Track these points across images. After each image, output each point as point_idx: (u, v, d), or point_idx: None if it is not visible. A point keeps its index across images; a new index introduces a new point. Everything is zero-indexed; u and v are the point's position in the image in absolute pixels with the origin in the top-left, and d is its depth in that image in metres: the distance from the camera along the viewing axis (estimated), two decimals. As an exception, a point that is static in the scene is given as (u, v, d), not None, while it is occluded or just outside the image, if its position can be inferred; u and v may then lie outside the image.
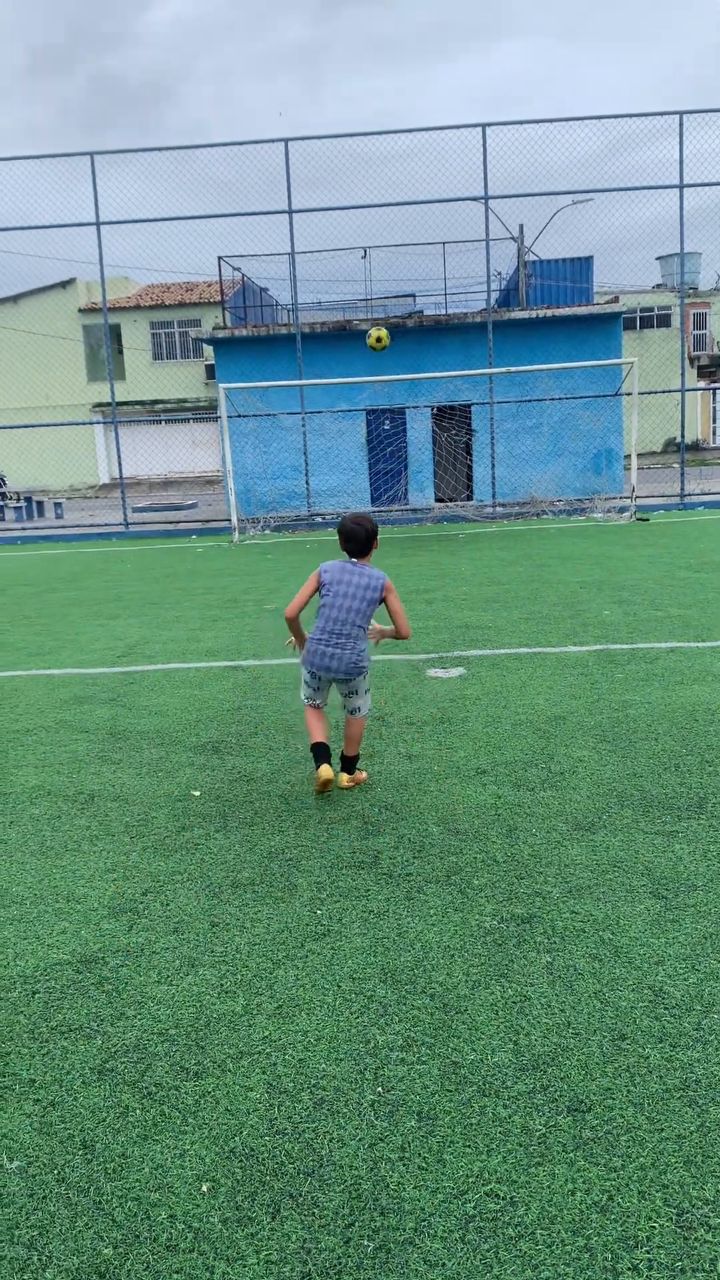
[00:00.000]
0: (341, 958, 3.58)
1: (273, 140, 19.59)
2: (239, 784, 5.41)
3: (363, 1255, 2.30)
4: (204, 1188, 2.52)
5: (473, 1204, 2.43)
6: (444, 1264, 2.26)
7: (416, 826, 4.70)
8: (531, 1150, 2.60)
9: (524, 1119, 2.71)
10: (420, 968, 3.49)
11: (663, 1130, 2.64)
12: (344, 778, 5.29)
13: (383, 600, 5.16)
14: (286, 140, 19.48)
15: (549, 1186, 2.47)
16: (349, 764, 5.32)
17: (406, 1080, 2.90)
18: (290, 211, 19.83)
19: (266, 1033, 3.15)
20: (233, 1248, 2.33)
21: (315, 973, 3.49)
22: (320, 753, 5.10)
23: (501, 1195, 2.45)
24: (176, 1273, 2.27)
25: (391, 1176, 2.53)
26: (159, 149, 19.70)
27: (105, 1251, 2.34)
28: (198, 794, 5.29)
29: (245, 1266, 2.28)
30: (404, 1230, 2.36)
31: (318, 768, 5.05)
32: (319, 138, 19.72)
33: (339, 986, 3.39)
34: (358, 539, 5.21)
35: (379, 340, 14.55)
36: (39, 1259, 2.33)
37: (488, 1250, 2.29)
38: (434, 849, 4.45)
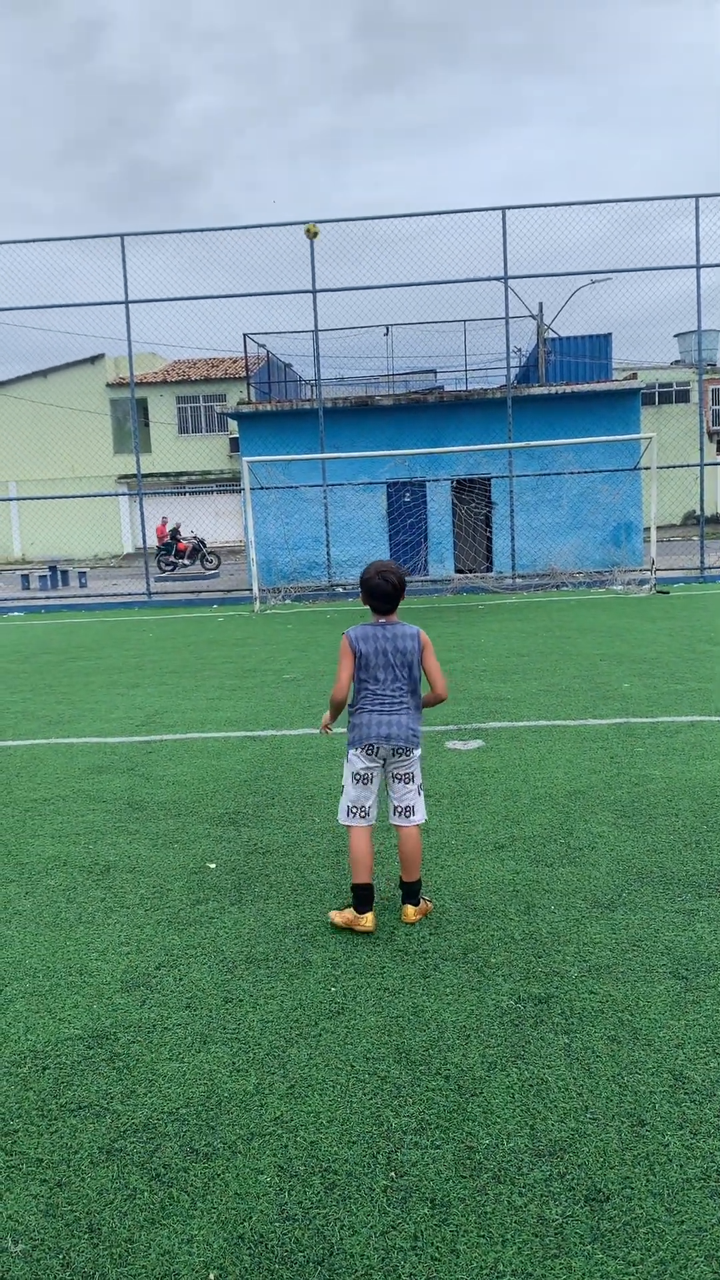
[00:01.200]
0: (355, 1036, 3.53)
1: (297, 223, 20.18)
2: (255, 856, 5.38)
3: (373, 1350, 2.23)
4: (211, 1276, 2.46)
5: (487, 1298, 2.36)
6: None
7: (433, 902, 4.65)
8: (548, 1241, 2.53)
9: (540, 1208, 2.65)
10: (435, 1048, 3.43)
11: (683, 1222, 2.57)
12: (409, 910, 4.47)
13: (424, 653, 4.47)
14: (308, 224, 20.05)
15: (565, 1280, 2.40)
16: (412, 891, 4.49)
17: (420, 1165, 2.84)
18: (314, 291, 20.33)
19: (278, 1113, 3.10)
20: (239, 1340, 2.27)
21: (328, 1052, 3.43)
22: (365, 897, 4.37)
23: (516, 1289, 2.38)
24: None
25: (404, 1267, 2.47)
26: (187, 230, 20.34)
27: (109, 1341, 2.28)
28: (213, 866, 5.27)
29: None
30: (416, 1324, 2.29)
31: (361, 915, 4.37)
32: (342, 220, 20.30)
33: (352, 1066, 3.34)
34: (386, 595, 4.43)
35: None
36: (41, 1348, 2.27)
37: (502, 1347, 2.22)
38: (450, 925, 4.40)
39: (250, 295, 20.62)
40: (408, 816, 4.49)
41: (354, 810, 4.47)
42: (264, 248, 21.06)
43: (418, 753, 4.50)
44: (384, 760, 4.45)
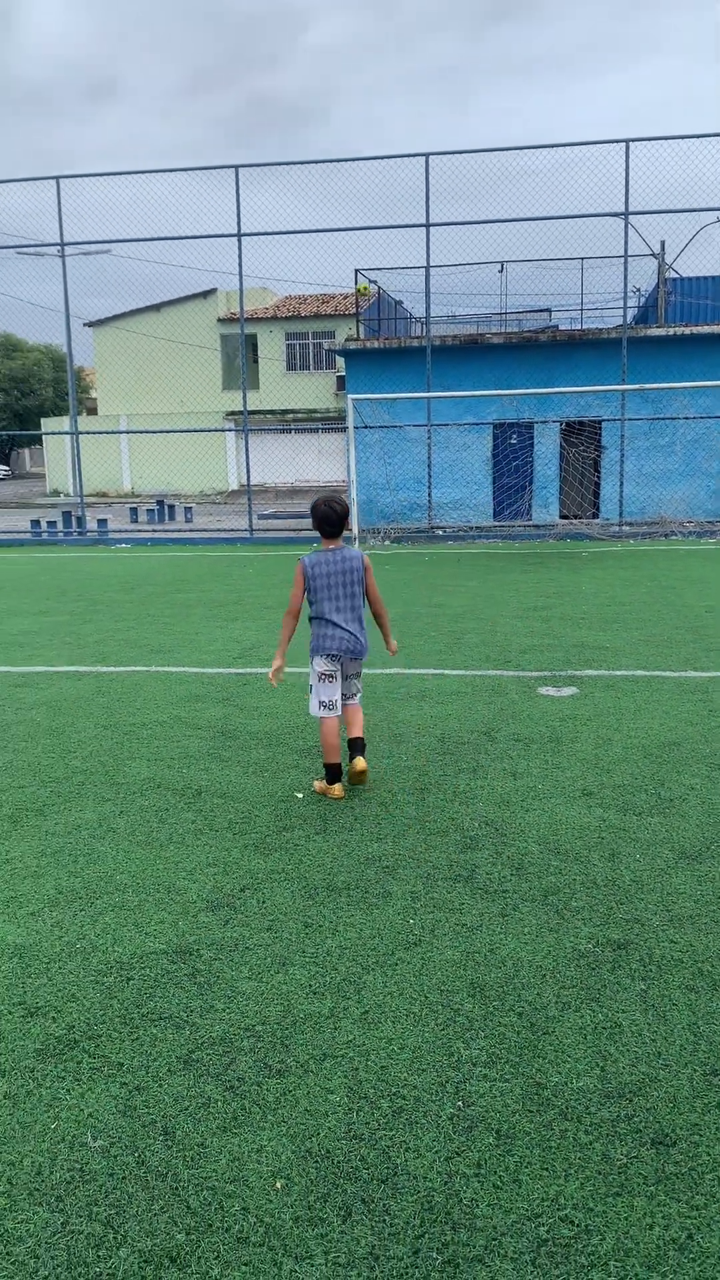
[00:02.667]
0: (431, 968, 3.56)
1: (413, 155, 19.72)
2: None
3: (430, 1267, 2.28)
4: (278, 1184, 2.54)
5: (546, 1228, 2.38)
6: (512, 1286, 2.22)
7: (516, 844, 4.65)
8: (611, 1179, 2.53)
9: (605, 1147, 2.65)
10: (510, 985, 3.44)
11: (751, 1173, 2.55)
12: (359, 761, 5.42)
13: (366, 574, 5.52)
14: (427, 155, 19.59)
15: (626, 1218, 2.41)
16: (359, 747, 5.48)
17: (488, 1097, 2.86)
18: (427, 225, 19.91)
19: (351, 1037, 3.16)
20: (302, 1246, 2.34)
21: (404, 981, 3.48)
22: (335, 773, 5.37)
23: (576, 1222, 2.40)
24: (245, 1264, 2.30)
25: (465, 1192, 2.50)
26: (299, 162, 20.07)
27: (178, 1237, 2.38)
28: (300, 796, 5.34)
29: (313, 1265, 2.29)
30: (474, 1247, 2.33)
31: (331, 785, 5.35)
32: (460, 152, 19.76)
33: (426, 997, 3.38)
34: (333, 521, 5.43)
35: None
36: (114, 1237, 2.38)
37: (558, 1276, 2.24)
38: (533, 868, 4.39)
39: (362, 229, 20.32)
40: (353, 697, 5.63)
41: (325, 705, 5.46)
42: (378, 182, 20.69)
43: (366, 656, 5.59)
44: (341, 663, 5.47)
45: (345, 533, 5.56)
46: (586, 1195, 2.48)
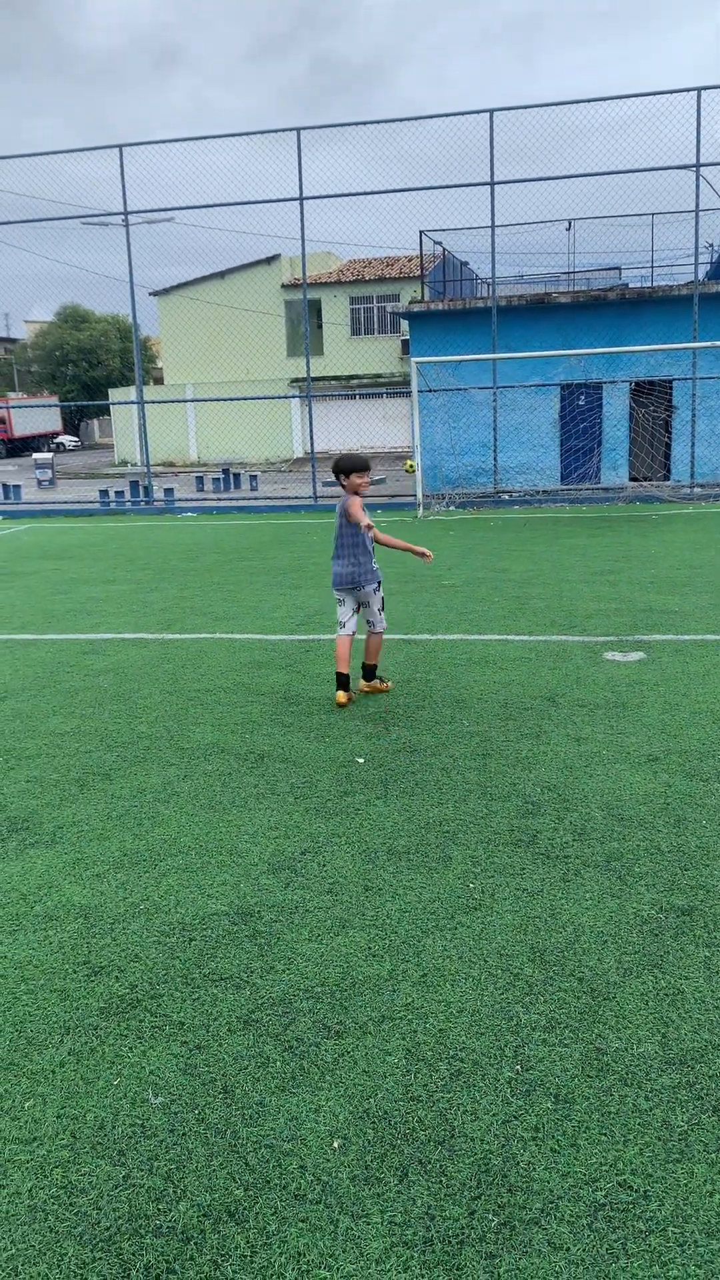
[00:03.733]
0: (491, 933, 3.54)
1: (477, 111, 19.31)
2: (402, 755, 5.43)
3: (486, 1229, 2.28)
4: (335, 1144, 2.56)
5: (604, 1192, 2.37)
6: (569, 1248, 2.21)
7: (579, 809, 4.59)
8: (671, 1146, 2.50)
9: (666, 1113, 2.62)
10: (570, 950, 3.41)
11: None
12: (363, 684, 6.58)
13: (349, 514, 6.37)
14: (491, 111, 19.18)
15: (686, 1185, 2.38)
16: (370, 672, 6.58)
17: (546, 1061, 2.85)
18: (492, 183, 19.53)
19: (409, 999, 3.16)
20: (358, 1205, 2.36)
21: (463, 945, 3.47)
22: (343, 682, 6.40)
23: (635, 1188, 2.38)
24: (302, 1221, 2.32)
25: (522, 1155, 2.49)
26: (364, 123, 19.79)
27: (236, 1192, 2.41)
28: (362, 761, 5.34)
29: (369, 1224, 2.30)
30: (530, 1210, 2.32)
31: (337, 691, 6.38)
32: (524, 107, 19.28)
33: (485, 961, 3.36)
34: (336, 471, 6.49)
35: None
36: (174, 1191, 2.42)
37: (615, 1241, 2.23)
38: (595, 833, 4.34)
39: (425, 189, 19.99)
40: (373, 626, 6.52)
41: (338, 624, 6.52)
42: (442, 142, 20.33)
43: (370, 586, 6.41)
44: (352, 591, 6.44)
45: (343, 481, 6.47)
46: (645, 1161, 2.46)
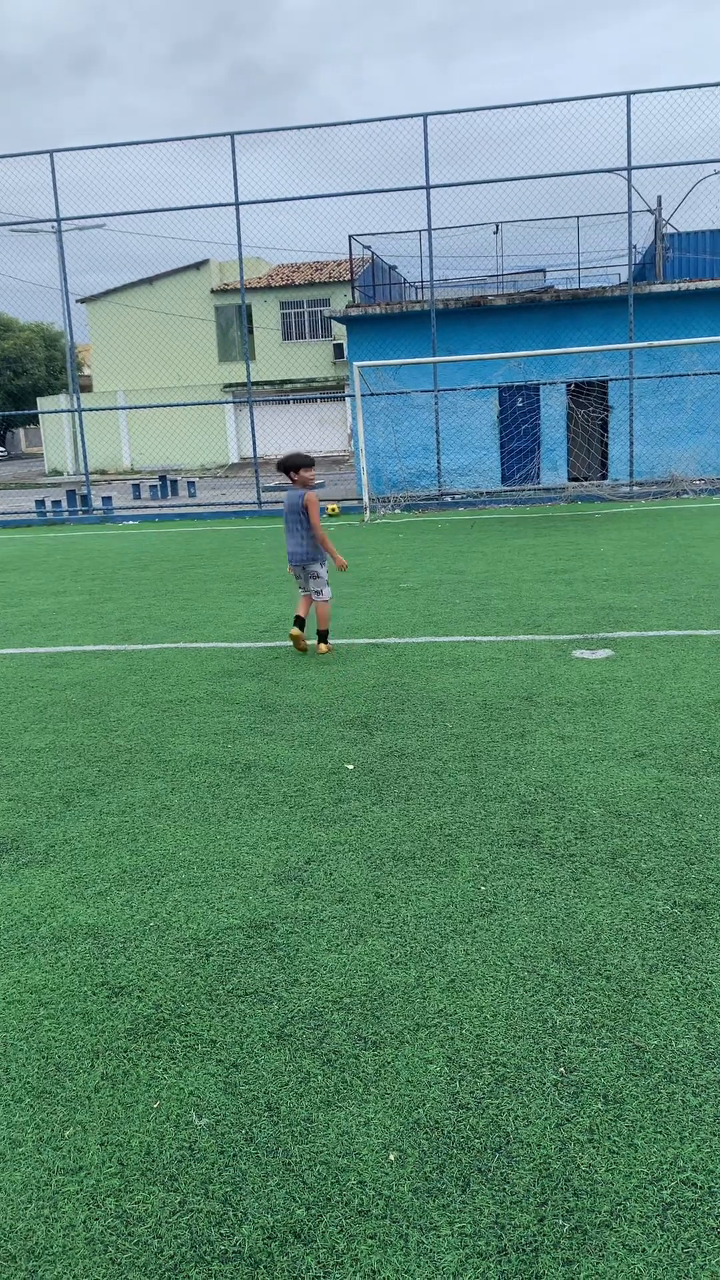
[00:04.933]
0: (510, 935, 3.54)
1: (411, 115, 19.42)
2: (391, 759, 5.40)
3: (559, 1235, 2.26)
4: (391, 1156, 2.52)
5: (669, 1191, 2.37)
6: (644, 1250, 2.21)
7: (576, 808, 4.62)
8: (728, 1141, 2.51)
9: (716, 1108, 2.63)
10: (593, 949, 3.42)
11: None
12: (320, 646, 7.91)
13: (306, 508, 7.74)
14: (425, 115, 19.29)
15: (750, 1179, 2.39)
16: (322, 636, 7.94)
17: (589, 1062, 2.84)
18: (428, 187, 19.64)
19: (441, 1006, 3.14)
20: (425, 1217, 2.33)
21: (485, 948, 3.45)
22: (298, 622, 7.87)
23: (699, 1184, 2.38)
24: (370, 1238, 2.28)
25: (582, 1158, 2.49)
26: (299, 127, 19.78)
27: (299, 1212, 2.36)
28: (351, 767, 5.31)
29: (439, 1237, 2.27)
30: (599, 1213, 2.31)
31: (296, 626, 7.83)
32: (459, 111, 19.46)
33: (510, 964, 3.35)
34: (282, 468, 7.79)
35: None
36: (234, 1214, 2.37)
37: (689, 1239, 2.23)
38: (596, 831, 4.36)
39: (363, 193, 20.05)
40: (317, 596, 7.91)
41: (299, 587, 8.01)
42: (370, 148, 20.39)
43: (315, 566, 7.85)
44: (302, 566, 7.87)
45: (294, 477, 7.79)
46: (705, 1157, 2.46)
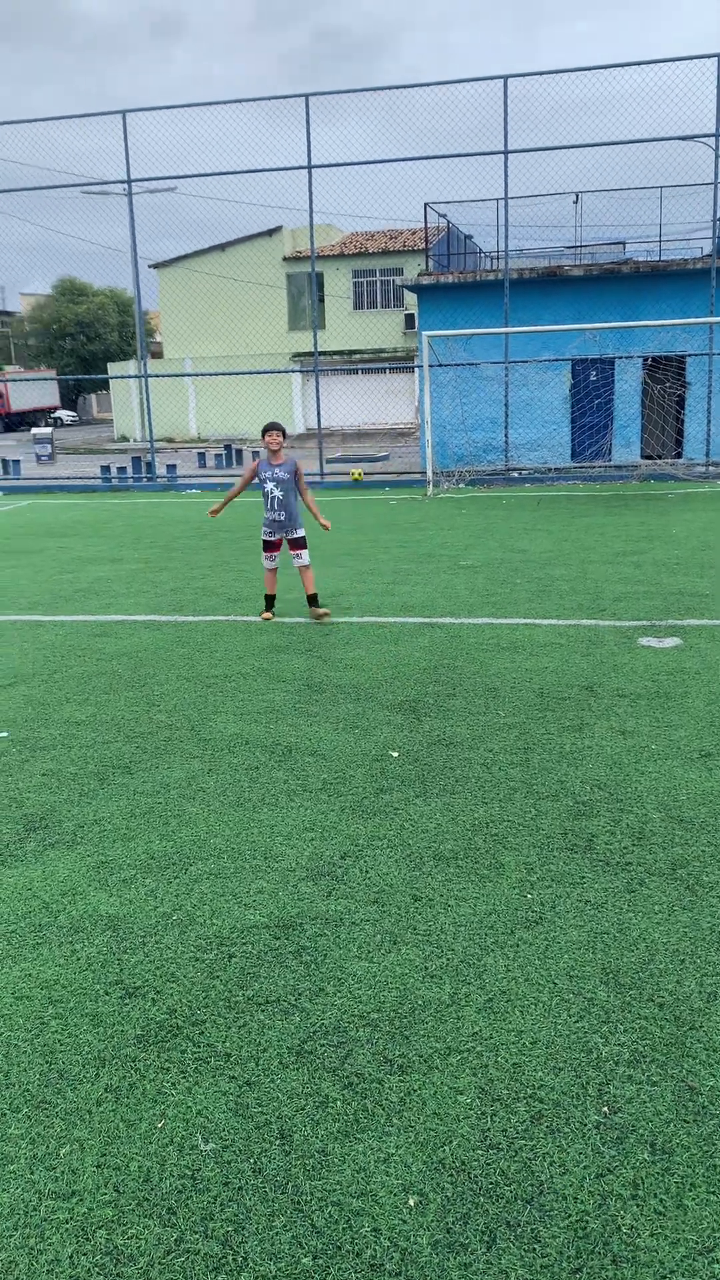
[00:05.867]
0: (556, 951, 3.27)
1: (491, 78, 18.81)
2: (438, 748, 5.14)
3: (593, 1311, 2.01)
4: (410, 1201, 2.29)
5: (722, 1266, 2.10)
6: (690, 1337, 1.94)
7: (635, 810, 4.31)
8: (790, 1210, 2.23)
9: (778, 1169, 2.35)
10: (646, 971, 3.14)
11: None
12: (317, 610, 8.11)
13: (297, 475, 8.15)
14: (506, 77, 18.67)
15: None
16: (314, 599, 8.19)
17: (636, 1102, 2.57)
18: (505, 152, 19.05)
19: (476, 1028, 2.88)
20: (444, 1276, 2.09)
21: (528, 965, 3.19)
22: (270, 602, 8.31)
23: (756, 1261, 2.11)
24: (382, 1298, 2.05)
25: (623, 1217, 2.22)
26: (374, 89, 19.25)
27: (304, 1261, 2.14)
28: (395, 755, 5.06)
29: (458, 1303, 2.03)
30: (641, 1287, 2.05)
31: (265, 610, 8.25)
32: (540, 74, 18.79)
33: (554, 984, 3.09)
34: (269, 432, 8.11)
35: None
36: (234, 1259, 2.15)
37: (743, 1328, 1.96)
38: (656, 837, 4.06)
39: (437, 157, 19.50)
40: (301, 560, 8.22)
41: (267, 559, 8.32)
42: (447, 113, 19.82)
43: (300, 532, 8.18)
44: (284, 532, 8.18)
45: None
46: (764, 1227, 2.19)
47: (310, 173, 19.61)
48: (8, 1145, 2.49)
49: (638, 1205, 2.26)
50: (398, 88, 19.38)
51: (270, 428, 8.09)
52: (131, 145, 20.20)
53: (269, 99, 19.51)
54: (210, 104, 19.96)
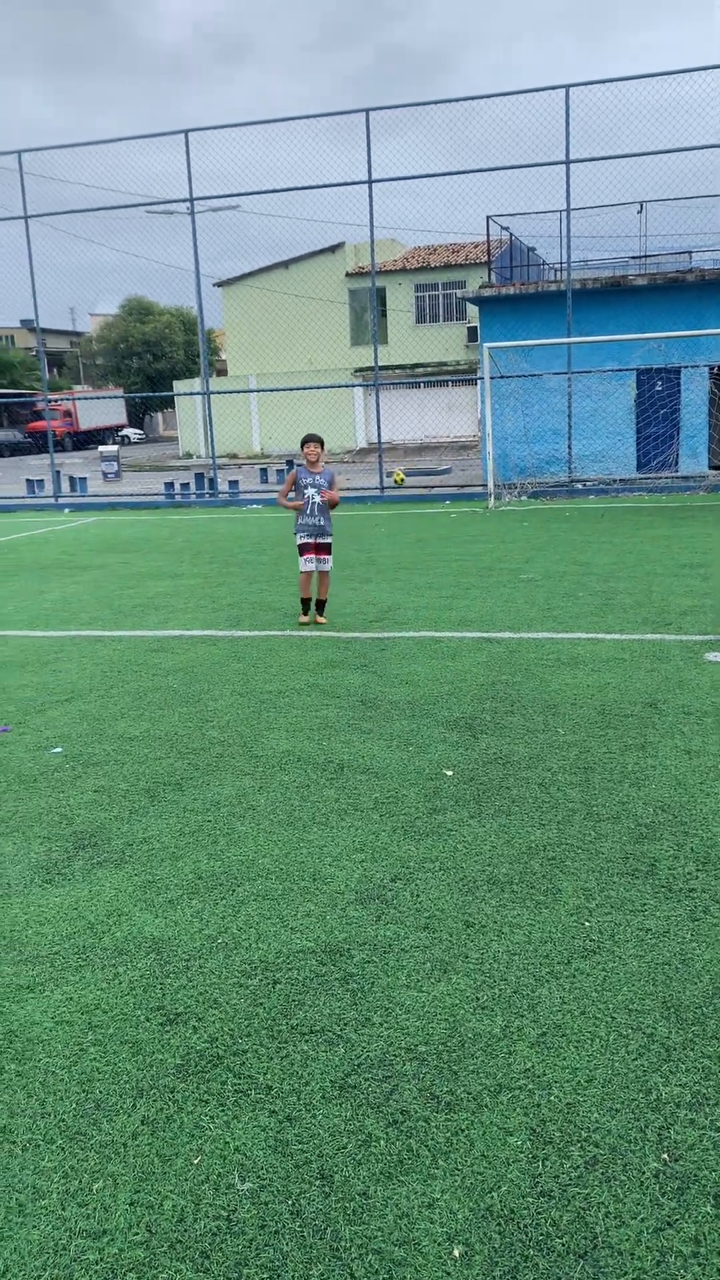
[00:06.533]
0: (615, 983, 3.11)
1: (553, 88, 18.68)
2: (494, 767, 5.00)
3: None
4: (455, 1251, 2.16)
5: (791, 1337, 1.94)
6: None
7: (700, 834, 4.13)
8: None
9: None
10: (710, 1006, 2.97)
11: None
12: (318, 618, 8.61)
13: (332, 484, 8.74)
14: (568, 86, 18.52)
15: None
16: (321, 606, 8.70)
17: (699, 1149, 2.42)
18: (568, 162, 18.88)
19: (529, 1064, 2.75)
20: (489, 1338, 1.96)
21: (584, 997, 3.04)
22: (307, 606, 8.63)
23: None
24: None
25: (684, 1277, 2.07)
26: (434, 102, 19.24)
27: (342, 1314, 2.02)
28: (450, 774, 4.93)
29: None
30: None
31: (305, 614, 8.60)
32: (600, 82, 18.62)
33: (612, 1018, 2.94)
34: (309, 442, 8.73)
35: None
36: (268, 1309, 2.04)
37: None
38: (721, 861, 3.88)
39: (498, 169, 19.39)
40: (323, 565, 8.66)
41: (306, 562, 8.61)
42: (508, 128, 19.69)
43: (329, 538, 8.64)
44: (318, 537, 8.55)
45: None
46: None
47: (370, 187, 19.63)
48: (41, 1178, 2.41)
49: (699, 1265, 2.11)
50: (458, 100, 19.33)
51: (309, 439, 8.61)
52: (195, 165, 20.45)
53: (330, 115, 19.60)
54: (271, 121, 20.12)
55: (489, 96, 19.05)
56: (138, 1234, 2.25)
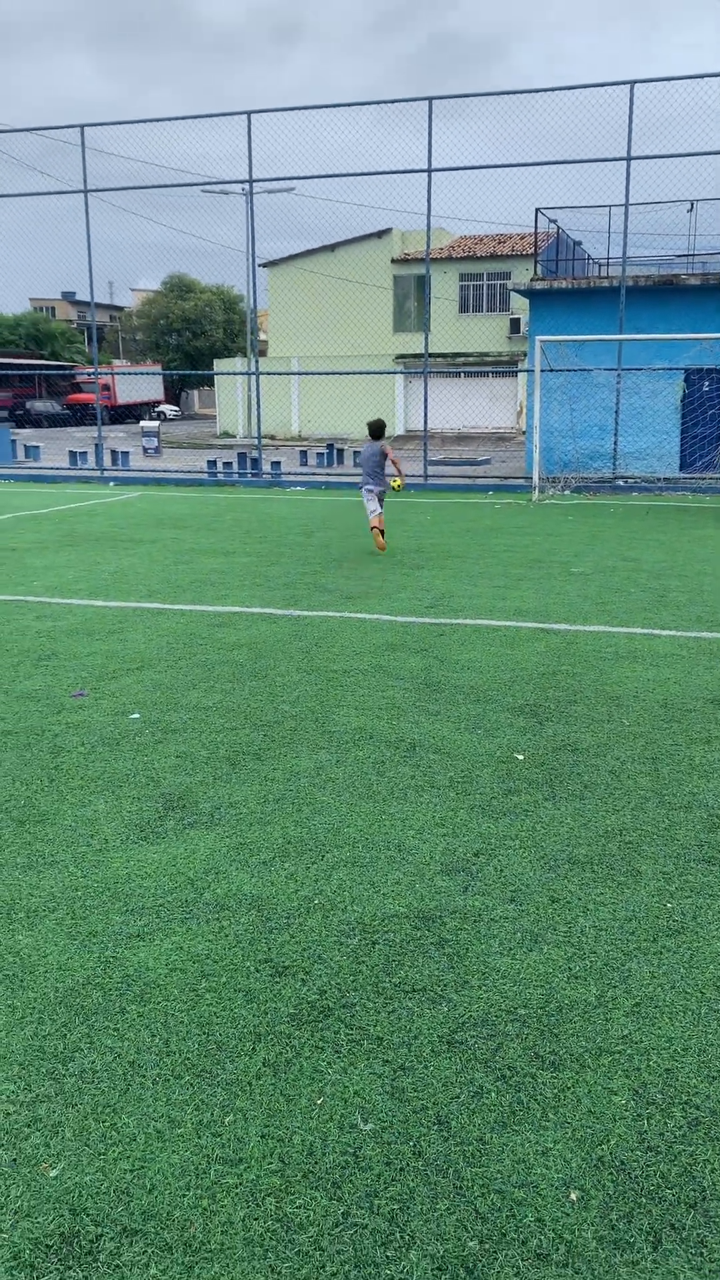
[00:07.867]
0: (701, 961, 3.25)
1: (617, 84, 18.63)
2: (563, 753, 5.13)
3: (768, 1319, 2.00)
4: (572, 1195, 2.31)
5: None
6: None
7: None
8: None
9: None
10: None
11: None
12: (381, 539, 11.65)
13: (385, 454, 11.54)
14: (632, 83, 18.47)
15: None
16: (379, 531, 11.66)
17: None
18: (629, 158, 18.84)
19: (625, 1031, 2.89)
20: (611, 1273, 2.10)
21: (673, 973, 3.18)
22: (381, 534, 11.69)
23: None
24: (551, 1287, 2.07)
25: (791, 1230, 2.21)
26: (498, 93, 19.24)
27: (471, 1244, 2.17)
28: (521, 757, 5.07)
29: (628, 1299, 2.04)
30: None
31: (380, 540, 11.69)
32: (668, 79, 18.53)
33: (702, 993, 3.07)
34: (372, 431, 11.73)
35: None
36: (401, 1237, 2.20)
37: None
38: None
39: (558, 163, 19.37)
40: (381, 511, 11.61)
41: (371, 514, 11.66)
42: (565, 121, 19.62)
43: (382, 488, 11.56)
44: (378, 491, 11.51)
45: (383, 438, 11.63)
46: None
47: (430, 176, 19.65)
48: (174, 1109, 2.57)
49: None
50: (522, 92, 19.31)
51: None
52: (253, 147, 20.50)
53: (392, 102, 19.60)
54: (333, 106, 20.14)
55: (552, 90, 19.00)
56: (271, 1164, 2.40)
